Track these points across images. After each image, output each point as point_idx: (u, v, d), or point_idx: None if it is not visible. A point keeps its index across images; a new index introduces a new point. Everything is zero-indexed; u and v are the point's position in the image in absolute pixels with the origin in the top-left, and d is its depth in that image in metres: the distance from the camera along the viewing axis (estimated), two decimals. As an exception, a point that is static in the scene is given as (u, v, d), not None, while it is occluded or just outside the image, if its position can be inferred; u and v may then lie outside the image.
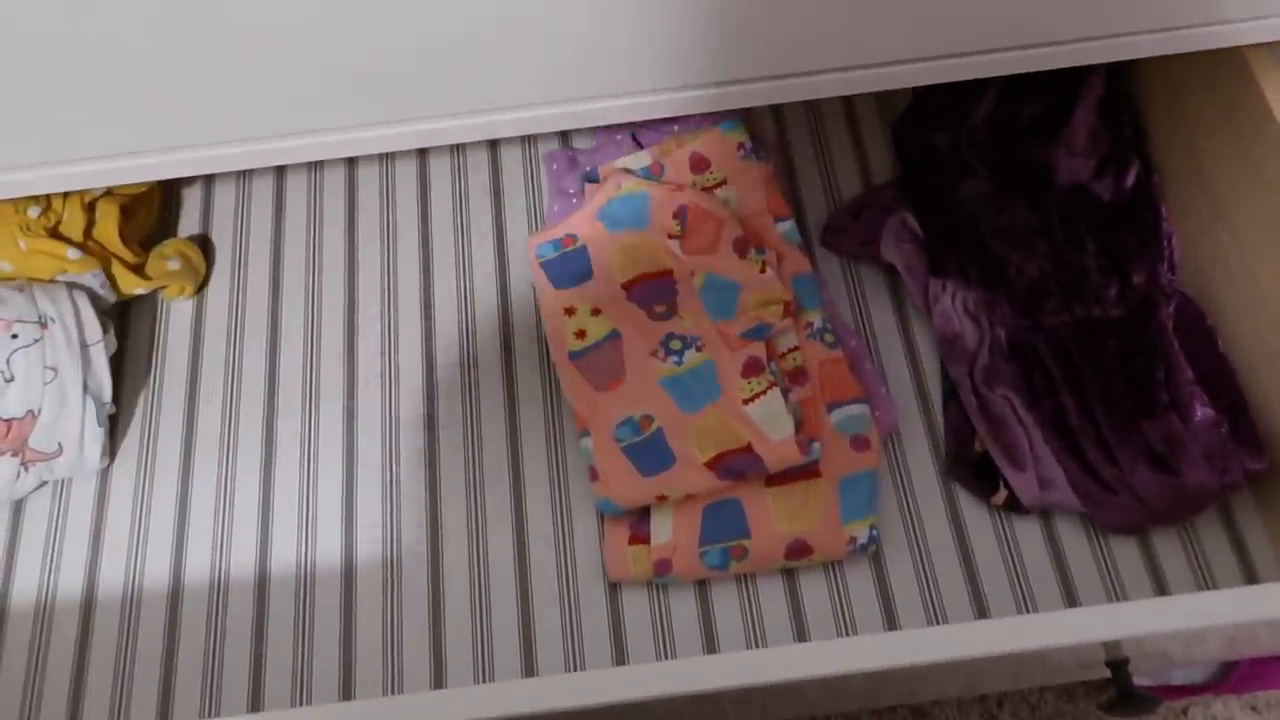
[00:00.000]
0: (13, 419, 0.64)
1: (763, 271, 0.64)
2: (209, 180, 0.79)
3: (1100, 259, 0.67)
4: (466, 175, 0.78)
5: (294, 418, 0.70)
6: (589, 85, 0.56)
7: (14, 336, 0.64)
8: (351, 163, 0.79)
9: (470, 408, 0.69)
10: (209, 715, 0.62)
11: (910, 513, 0.64)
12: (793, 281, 0.66)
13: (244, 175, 0.79)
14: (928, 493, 0.64)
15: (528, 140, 0.79)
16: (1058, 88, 0.71)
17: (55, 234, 0.68)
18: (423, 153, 0.79)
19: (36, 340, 0.64)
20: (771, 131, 0.77)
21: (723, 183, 0.68)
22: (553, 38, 0.52)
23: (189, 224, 0.78)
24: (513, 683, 0.56)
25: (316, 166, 0.79)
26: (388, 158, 0.79)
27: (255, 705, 0.62)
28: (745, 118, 0.71)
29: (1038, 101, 0.72)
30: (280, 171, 0.79)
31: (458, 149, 0.79)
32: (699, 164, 0.69)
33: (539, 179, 0.77)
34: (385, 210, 0.77)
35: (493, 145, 0.79)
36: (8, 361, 0.63)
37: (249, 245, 0.76)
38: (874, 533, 0.61)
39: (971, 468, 0.64)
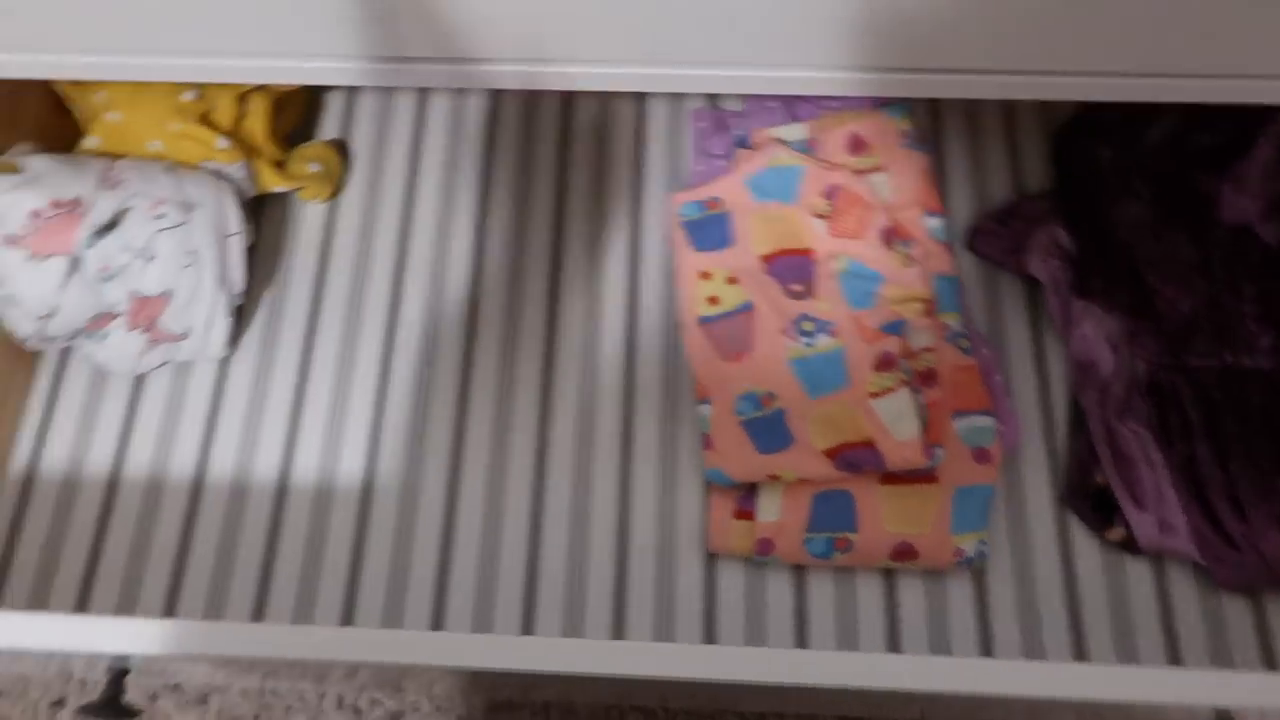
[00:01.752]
0: (148, 297, 0.65)
1: (907, 266, 0.63)
2: (353, 88, 0.79)
3: (1257, 306, 0.65)
4: (610, 121, 0.77)
5: (413, 333, 0.70)
6: (757, 53, 0.54)
7: (160, 217, 0.64)
8: (496, 92, 0.78)
9: (589, 361, 0.69)
10: (302, 619, 0.63)
11: (1019, 535, 0.63)
12: (934, 281, 0.65)
13: (388, 89, 0.79)
14: (1040, 517, 0.63)
15: (675, 96, 0.77)
16: (1237, 120, 0.68)
17: (206, 121, 0.68)
18: (568, 95, 0.78)
19: (181, 224, 0.65)
20: (926, 125, 0.74)
21: (878, 168, 0.66)
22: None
23: (329, 128, 0.78)
24: (602, 643, 0.57)
25: (460, 91, 0.79)
26: (531, 93, 0.78)
27: (347, 618, 0.63)
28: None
29: (1214, 131, 0.69)
30: (424, 91, 0.78)
31: (604, 97, 0.78)
32: (857, 145, 0.67)
33: (682, 135, 0.76)
34: (524, 144, 0.76)
35: (639, 96, 0.78)
36: (152, 241, 0.64)
37: (386, 158, 0.76)
38: (983, 548, 0.60)
39: (1090, 499, 0.62)
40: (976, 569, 0.62)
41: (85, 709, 0.56)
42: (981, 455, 0.62)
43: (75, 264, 0.63)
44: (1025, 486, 0.64)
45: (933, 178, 0.67)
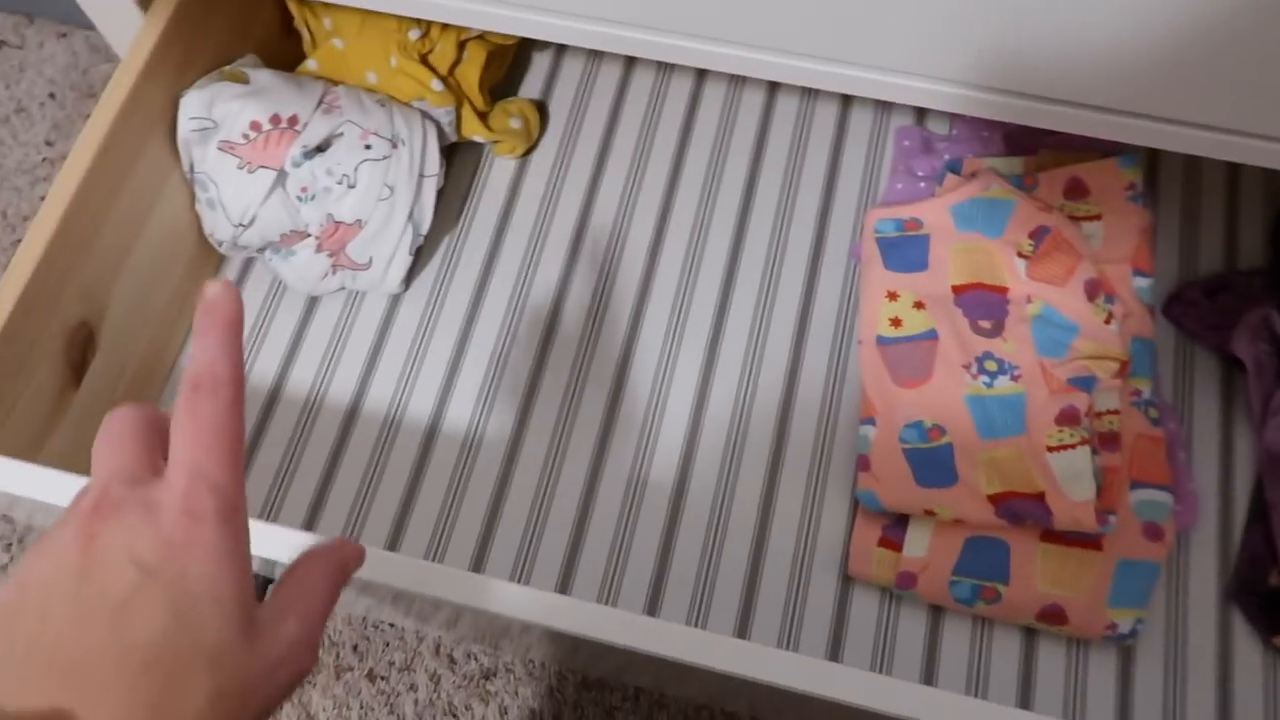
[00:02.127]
0: (341, 222, 0.66)
1: (1107, 322, 0.60)
2: (560, 49, 0.79)
3: None
4: (810, 124, 0.76)
5: (583, 298, 0.70)
6: (981, 72, 0.53)
7: (368, 147, 0.66)
8: (700, 75, 0.78)
9: (751, 360, 0.68)
10: (434, 557, 0.64)
11: (1177, 621, 0.60)
12: (1131, 342, 0.62)
13: (594, 54, 0.79)
14: (1202, 607, 0.60)
15: (881, 108, 0.76)
16: None
17: (424, 62, 0.69)
18: (773, 88, 0.77)
19: (385, 157, 0.66)
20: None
21: (1096, 217, 0.64)
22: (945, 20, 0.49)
23: (530, 87, 0.78)
24: (725, 638, 0.56)
25: (665, 68, 0.78)
26: (736, 82, 0.78)
27: (477, 565, 0.64)
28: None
29: None
30: (630, 61, 0.79)
31: (808, 95, 0.77)
32: (1077, 190, 0.64)
33: (882, 150, 0.74)
34: (721, 132, 0.76)
35: (845, 101, 0.76)
36: (355, 169, 0.65)
37: (582, 124, 0.76)
38: (1138, 626, 0.57)
39: (1260, 599, 0.59)
40: (1125, 646, 0.59)
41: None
42: (1153, 531, 0.59)
43: (281, 179, 0.65)
44: (1191, 572, 0.61)
45: (1151, 237, 0.64)
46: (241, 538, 0.30)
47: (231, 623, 0.28)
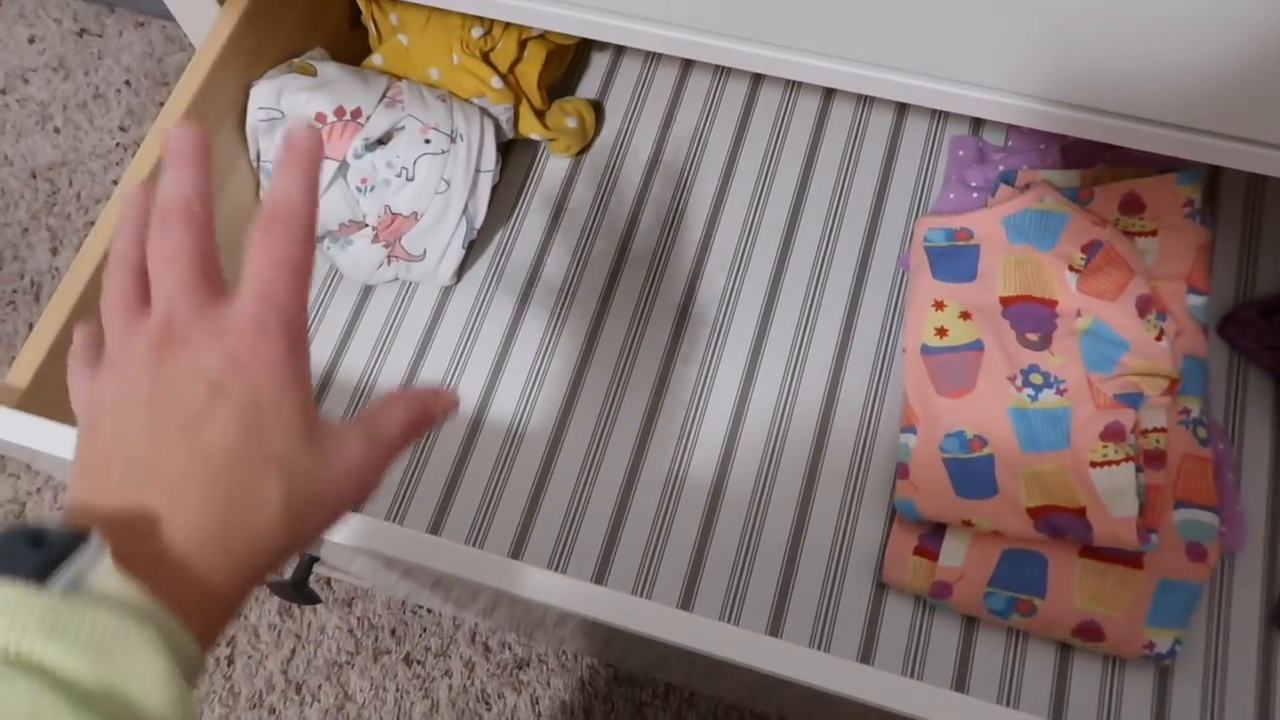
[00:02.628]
0: (398, 214, 0.68)
1: (1158, 339, 0.60)
2: (618, 51, 0.81)
3: None
4: (864, 131, 0.76)
5: (630, 297, 0.71)
6: (1040, 84, 0.52)
7: (427, 141, 0.67)
8: (756, 80, 0.78)
9: (794, 363, 0.68)
10: (474, 544, 0.65)
11: (1217, 644, 0.59)
12: (1182, 361, 0.61)
13: (651, 57, 0.80)
14: (1243, 631, 0.59)
15: (936, 116, 0.76)
16: None
17: (486, 59, 0.70)
18: (828, 93, 0.77)
19: (444, 152, 0.68)
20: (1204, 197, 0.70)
21: (1151, 233, 0.63)
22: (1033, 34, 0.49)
23: (588, 87, 0.80)
24: (758, 635, 0.57)
25: (720, 72, 0.79)
26: (792, 87, 0.78)
27: (516, 553, 0.65)
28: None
29: None
30: (687, 65, 0.79)
31: (864, 102, 0.77)
32: (1133, 205, 0.64)
33: (935, 159, 0.74)
34: (775, 136, 0.76)
35: (900, 109, 0.76)
36: (414, 163, 0.67)
37: (637, 125, 0.78)
38: (1177, 647, 0.57)
39: (1306, 625, 0.58)
40: (1163, 666, 0.58)
41: (273, 585, 0.60)
42: (1196, 552, 0.58)
43: (342, 170, 0.67)
44: (1234, 595, 0.60)
45: (1207, 255, 0.63)
46: (304, 357, 0.31)
47: (296, 433, 0.30)
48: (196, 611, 0.28)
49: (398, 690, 0.85)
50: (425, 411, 0.34)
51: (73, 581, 0.26)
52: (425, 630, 0.87)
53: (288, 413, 0.30)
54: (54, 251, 0.95)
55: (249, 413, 0.29)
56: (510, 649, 0.86)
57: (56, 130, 1.00)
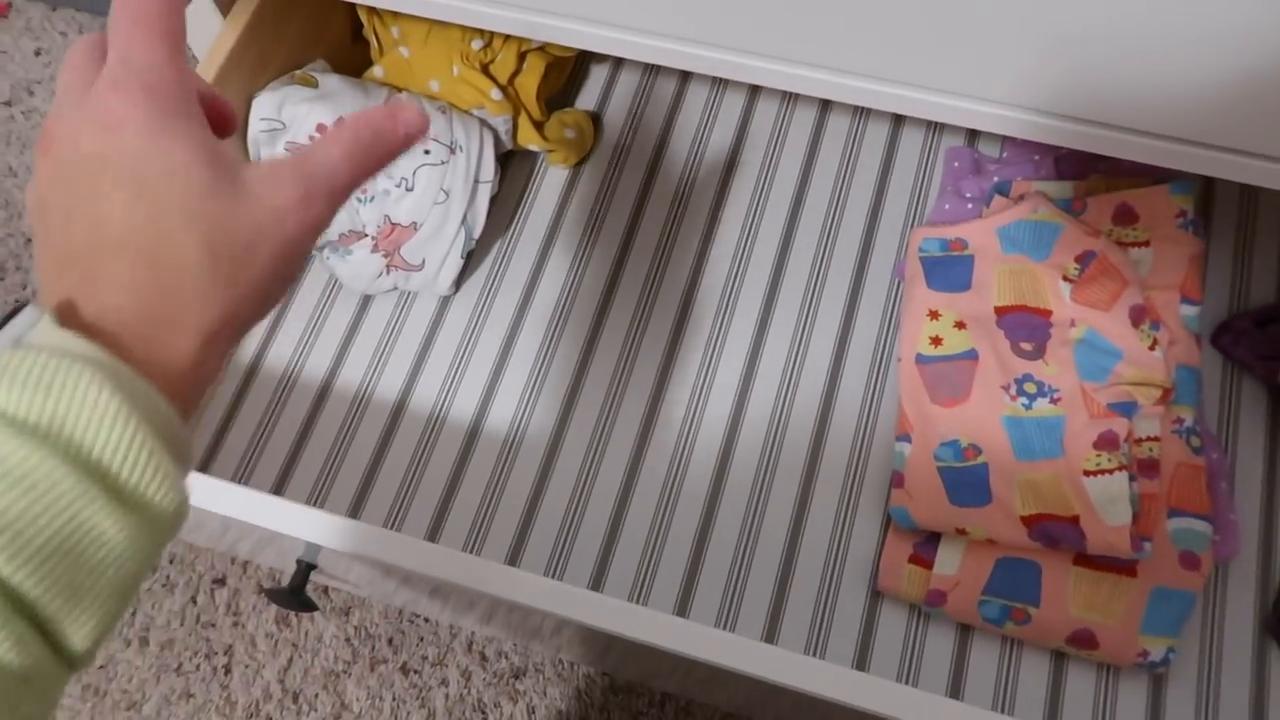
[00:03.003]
0: (397, 224, 0.69)
1: (1152, 349, 0.60)
2: (617, 63, 0.81)
3: None
4: (860, 142, 0.76)
5: (628, 306, 0.72)
6: (1036, 96, 0.53)
7: (426, 152, 0.68)
8: (753, 92, 0.79)
9: (790, 372, 0.69)
10: (471, 552, 0.65)
11: (1211, 651, 0.59)
12: (1176, 370, 0.61)
13: (650, 69, 0.81)
14: (1237, 639, 0.59)
15: (932, 128, 0.76)
16: None
17: (485, 71, 0.71)
18: (825, 105, 0.78)
19: (443, 162, 0.68)
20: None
21: (1144, 243, 0.64)
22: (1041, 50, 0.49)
23: (586, 99, 0.80)
24: (754, 642, 0.57)
25: (718, 83, 0.80)
26: (788, 99, 0.79)
27: (513, 561, 0.65)
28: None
29: None
30: (685, 77, 0.80)
31: (860, 114, 0.78)
32: (1126, 216, 0.64)
33: (931, 170, 0.75)
34: (771, 148, 0.77)
35: (896, 120, 0.77)
36: (414, 173, 0.68)
37: (635, 136, 0.78)
38: (1170, 655, 0.57)
39: (1299, 634, 0.58)
40: (1157, 674, 0.59)
41: (271, 592, 0.60)
42: (1190, 560, 0.58)
43: (342, 179, 0.67)
44: (1229, 603, 0.60)
45: (1200, 265, 0.64)
46: (173, 101, 0.29)
47: (190, 177, 0.29)
48: (149, 365, 0.27)
49: (394, 699, 0.85)
50: (376, 132, 0.32)
51: (11, 341, 0.26)
52: (422, 639, 0.87)
53: (171, 160, 0.29)
54: (56, 261, 0.95)
55: (131, 171, 0.28)
56: (507, 658, 0.86)
57: (60, 141, 1.01)
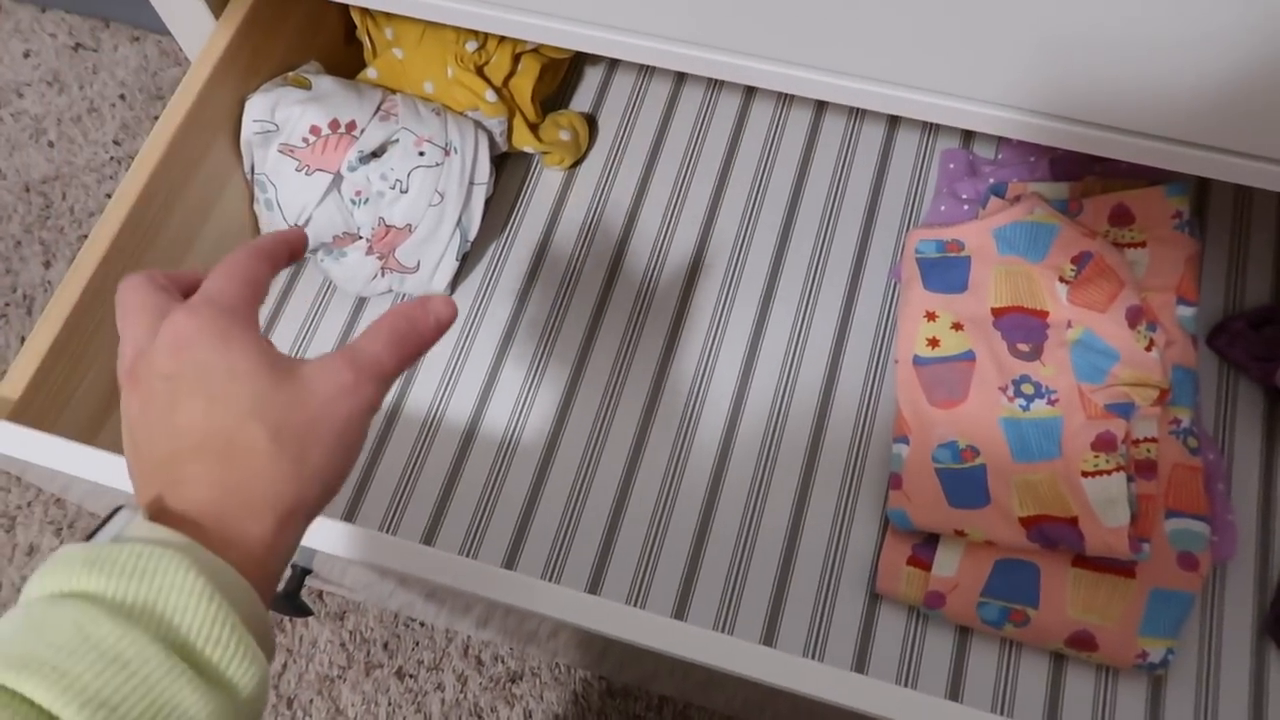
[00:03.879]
0: (392, 226, 0.68)
1: (1148, 349, 0.60)
2: (612, 64, 0.81)
3: None
4: (856, 144, 0.76)
5: (623, 310, 0.72)
6: (1030, 96, 0.53)
7: (421, 154, 0.68)
8: (749, 93, 0.79)
9: (787, 375, 0.69)
10: (468, 555, 0.65)
11: (1209, 653, 0.59)
12: (1172, 371, 0.61)
13: (645, 70, 0.81)
14: (1236, 640, 0.59)
15: (927, 129, 0.76)
16: None
17: (480, 73, 0.71)
18: (820, 107, 0.78)
19: (438, 164, 0.68)
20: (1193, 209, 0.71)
21: (1140, 244, 0.64)
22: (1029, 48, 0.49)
23: (581, 100, 0.80)
24: (752, 645, 0.56)
25: (713, 85, 0.80)
26: (784, 101, 0.79)
27: (510, 564, 0.65)
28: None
29: None
30: (680, 78, 0.80)
31: (855, 115, 0.78)
32: (1122, 217, 0.64)
33: (927, 172, 0.75)
34: (767, 150, 0.77)
35: (891, 122, 0.77)
36: (408, 175, 0.67)
37: (630, 138, 0.78)
38: (1169, 656, 0.57)
39: (1297, 634, 0.58)
40: (1156, 676, 0.59)
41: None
42: (1188, 561, 0.58)
43: (336, 182, 0.67)
44: (1226, 604, 0.60)
45: (1196, 266, 0.64)
46: (234, 317, 0.34)
47: (256, 380, 0.32)
48: (230, 548, 0.30)
49: (390, 704, 0.85)
50: (410, 321, 0.36)
51: (112, 537, 0.29)
52: (418, 644, 0.87)
53: (240, 366, 0.32)
54: (47, 265, 0.95)
55: (202, 384, 0.32)
56: (503, 662, 0.86)
57: (51, 144, 1.00)
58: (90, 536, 0.30)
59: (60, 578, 0.28)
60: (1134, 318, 0.61)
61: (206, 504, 0.31)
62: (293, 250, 0.40)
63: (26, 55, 1.05)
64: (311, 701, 0.85)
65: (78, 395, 0.59)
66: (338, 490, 0.34)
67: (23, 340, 0.90)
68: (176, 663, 0.27)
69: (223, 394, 0.32)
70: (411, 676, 0.86)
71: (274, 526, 0.32)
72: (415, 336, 0.36)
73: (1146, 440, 0.60)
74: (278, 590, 0.59)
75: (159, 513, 0.31)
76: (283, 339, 0.72)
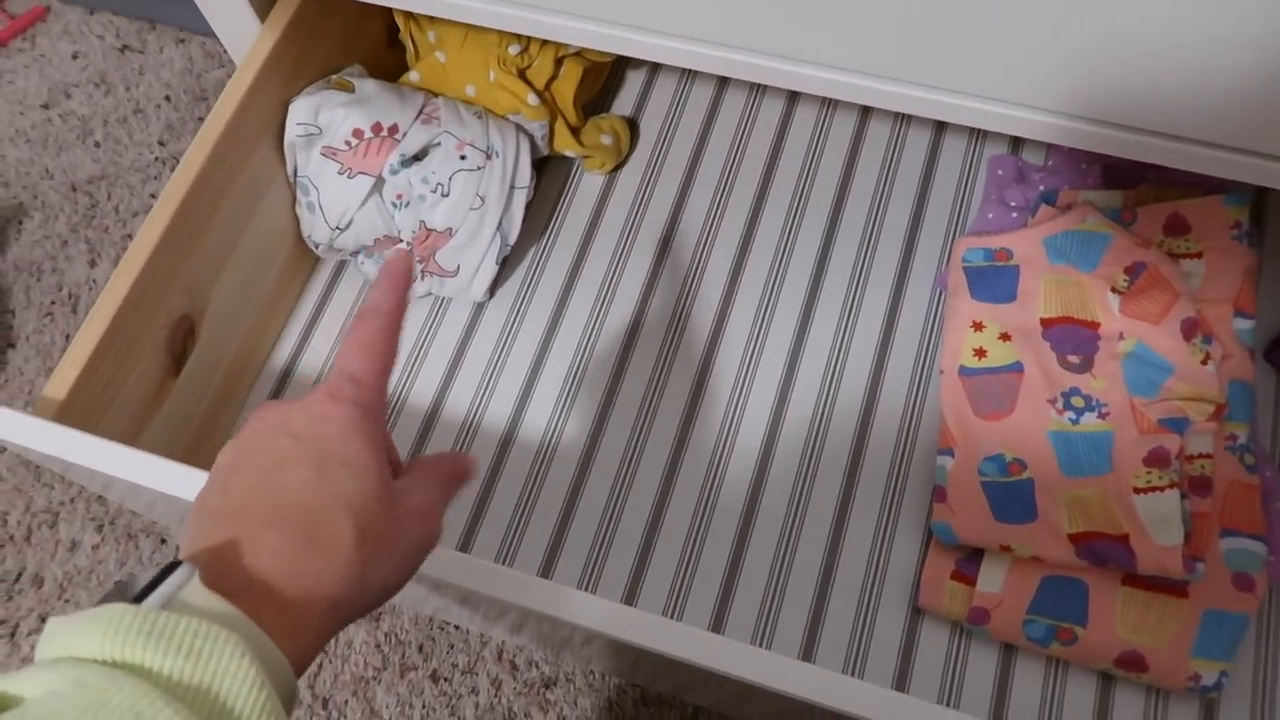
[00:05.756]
0: (433, 230, 0.68)
1: (1204, 363, 0.58)
2: (654, 68, 0.81)
3: None
4: (902, 150, 0.75)
5: (662, 316, 0.71)
6: (1083, 103, 0.51)
7: (463, 158, 0.67)
8: (792, 98, 0.78)
9: (829, 384, 0.68)
10: (504, 561, 0.65)
11: (1266, 676, 0.57)
12: (1229, 386, 0.60)
13: (687, 75, 0.80)
14: (1293, 664, 0.58)
15: (975, 135, 0.75)
16: None
17: (522, 76, 0.71)
18: (865, 112, 0.77)
19: (479, 168, 0.68)
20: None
21: (1197, 255, 0.62)
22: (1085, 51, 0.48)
23: (622, 104, 0.80)
24: (791, 661, 0.55)
25: (756, 90, 0.79)
26: (828, 106, 0.78)
27: (546, 572, 0.64)
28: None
29: None
30: (723, 82, 0.79)
31: (900, 120, 0.76)
32: (1178, 227, 0.63)
33: (974, 179, 0.73)
34: (810, 155, 0.76)
35: (938, 127, 0.76)
36: (450, 179, 0.67)
37: (672, 142, 0.77)
38: (1223, 680, 0.55)
39: (1358, 660, 0.56)
40: (1209, 699, 0.57)
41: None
42: (1243, 582, 0.56)
43: (378, 185, 0.67)
44: (1283, 627, 0.58)
45: (1254, 277, 0.62)
46: (373, 416, 0.35)
47: (365, 478, 0.34)
48: (283, 633, 0.31)
49: (424, 707, 0.85)
50: (458, 466, 0.40)
51: (165, 599, 0.30)
52: (453, 647, 0.86)
53: (356, 460, 0.34)
54: (92, 264, 0.96)
55: (320, 457, 0.33)
56: (538, 667, 0.85)
57: (97, 145, 1.01)
58: (140, 595, 0.30)
59: (114, 643, 0.28)
60: (1189, 330, 0.59)
61: (272, 579, 0.31)
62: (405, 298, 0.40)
63: (75, 57, 1.06)
64: (346, 702, 0.85)
65: (120, 396, 0.60)
66: (382, 605, 0.36)
67: (68, 339, 0.92)
68: None
69: (335, 475, 0.33)
70: (446, 680, 0.85)
71: (325, 621, 0.32)
72: (460, 477, 0.40)
73: (1201, 456, 0.58)
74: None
75: (219, 571, 0.31)
76: (322, 343, 0.73)
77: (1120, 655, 0.56)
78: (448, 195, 0.67)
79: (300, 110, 0.66)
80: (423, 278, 0.71)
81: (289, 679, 0.31)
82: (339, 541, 0.32)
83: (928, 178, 0.74)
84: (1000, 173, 0.70)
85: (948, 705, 0.58)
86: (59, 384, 0.56)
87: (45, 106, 1.04)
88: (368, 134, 0.66)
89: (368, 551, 0.33)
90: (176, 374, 0.64)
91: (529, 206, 0.74)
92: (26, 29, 1.06)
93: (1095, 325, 0.61)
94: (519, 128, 0.71)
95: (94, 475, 0.53)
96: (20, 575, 0.82)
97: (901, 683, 0.59)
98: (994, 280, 0.63)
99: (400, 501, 0.35)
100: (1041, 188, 0.67)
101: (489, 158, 0.68)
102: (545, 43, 0.71)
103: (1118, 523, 0.56)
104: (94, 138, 1.02)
